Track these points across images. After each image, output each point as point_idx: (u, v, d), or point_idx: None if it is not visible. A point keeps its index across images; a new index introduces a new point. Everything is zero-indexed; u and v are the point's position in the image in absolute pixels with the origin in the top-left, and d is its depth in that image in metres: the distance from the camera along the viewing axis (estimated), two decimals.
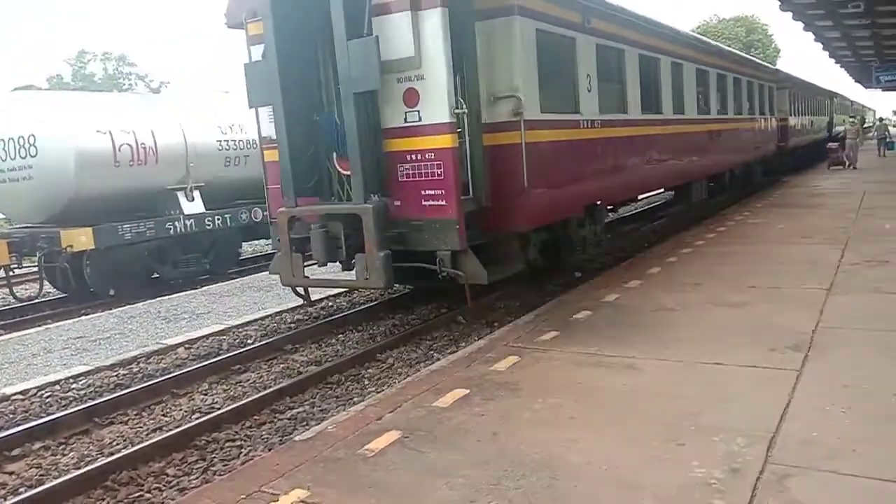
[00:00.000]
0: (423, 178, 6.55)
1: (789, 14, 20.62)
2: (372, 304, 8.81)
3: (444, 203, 6.47)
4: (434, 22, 6.28)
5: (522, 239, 7.56)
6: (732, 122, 15.99)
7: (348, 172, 6.78)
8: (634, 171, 10.26)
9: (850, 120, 26.45)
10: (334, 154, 7.04)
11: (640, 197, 13.81)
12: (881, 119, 50.51)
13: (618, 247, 12.01)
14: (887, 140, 35.00)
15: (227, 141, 12.96)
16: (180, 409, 5.89)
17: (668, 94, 11.54)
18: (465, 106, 6.68)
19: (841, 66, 40.55)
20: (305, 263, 7.07)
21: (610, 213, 11.58)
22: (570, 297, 7.52)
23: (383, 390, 5.51)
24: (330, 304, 9.10)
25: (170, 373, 6.69)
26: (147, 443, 5.07)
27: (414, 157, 6.57)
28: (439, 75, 6.33)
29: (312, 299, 8.12)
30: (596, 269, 10.13)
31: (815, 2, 18.41)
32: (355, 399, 5.66)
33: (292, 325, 8.19)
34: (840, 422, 3.87)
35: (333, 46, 6.48)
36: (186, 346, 7.59)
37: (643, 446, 3.78)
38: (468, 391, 4.82)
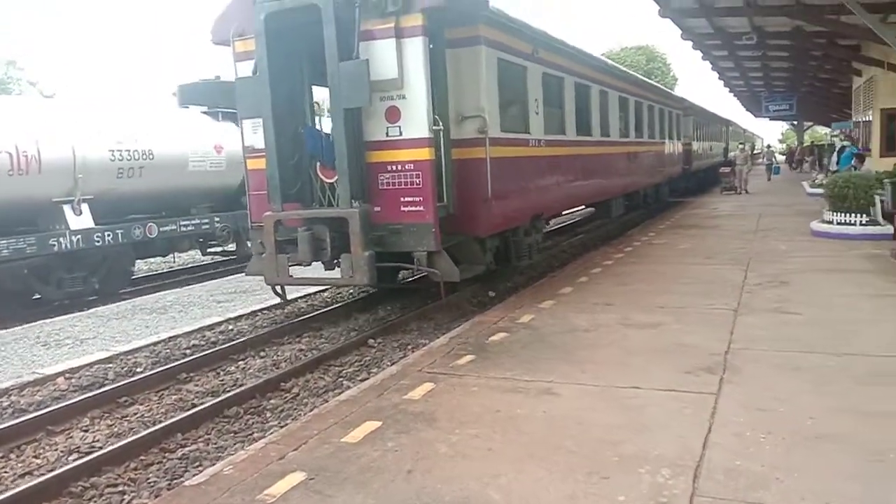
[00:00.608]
0: (402, 187, 7.36)
1: (688, 44, 21.73)
2: (277, 325, 8.31)
3: (421, 209, 7.30)
4: (416, 48, 7.13)
5: (482, 243, 8.40)
6: (647, 146, 17.49)
7: (331, 180, 7.55)
8: (569, 187, 11.34)
9: (739, 146, 27.01)
10: (318, 163, 7.70)
11: (563, 213, 15.11)
12: (769, 146, 54.23)
13: (530, 265, 11.98)
14: (774, 165, 37.59)
15: (121, 151, 12.06)
16: (55, 449, 5.22)
17: (596, 118, 12.76)
18: (440, 123, 7.51)
19: (734, 95, 43.17)
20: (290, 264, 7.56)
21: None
22: (485, 318, 7.32)
23: (287, 424, 5.08)
24: (230, 327, 8.51)
25: (45, 406, 5.95)
26: (9, 492, 4.41)
27: (394, 167, 7.38)
28: (419, 95, 7.20)
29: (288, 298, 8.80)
30: (510, 288, 10.05)
31: (713, 32, 19.39)
32: (256, 435, 5.18)
33: (187, 351, 7.56)
34: (761, 448, 3.81)
35: (321, 66, 7.14)
36: (67, 375, 6.83)
37: (567, 480, 3.57)
38: (380, 423, 4.48)
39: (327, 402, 5.37)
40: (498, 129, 8.36)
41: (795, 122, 50.68)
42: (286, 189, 7.47)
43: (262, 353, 7.36)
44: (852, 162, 16.38)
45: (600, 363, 5.52)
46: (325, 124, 8.37)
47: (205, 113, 14.24)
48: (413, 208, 7.33)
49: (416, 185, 7.29)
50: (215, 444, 5.10)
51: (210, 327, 8.34)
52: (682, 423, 4.22)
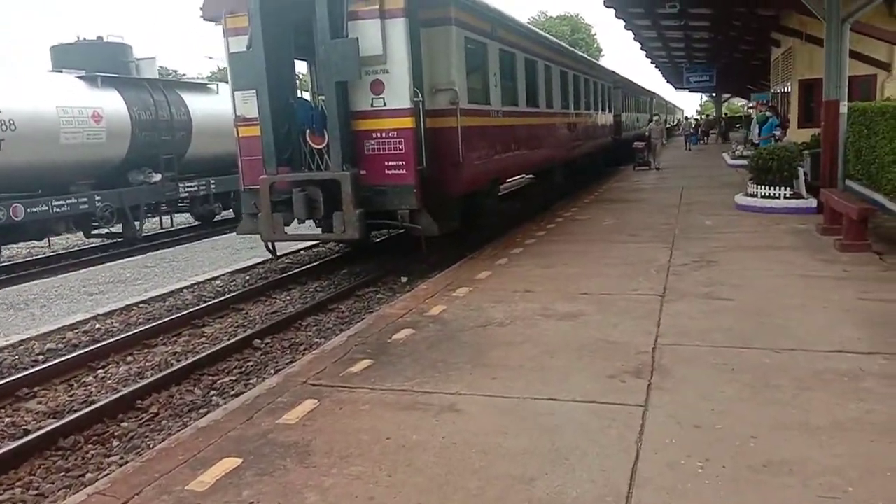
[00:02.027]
0: (387, 152, 8.17)
1: (611, 13, 21.26)
2: (153, 323, 7.23)
3: (404, 172, 8.13)
4: (398, 28, 7.94)
5: (455, 202, 9.17)
6: (584, 117, 18.69)
7: (319, 147, 8.34)
8: (522, 153, 12.21)
9: (654, 118, 25.99)
10: (307, 131, 8.40)
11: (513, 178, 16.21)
12: (687, 117, 55.24)
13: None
14: (692, 136, 38.22)
15: None
16: None
17: (542, 91, 13.76)
18: (420, 95, 8.20)
19: (656, 67, 43.45)
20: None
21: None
22: (391, 311, 6.48)
23: (131, 459, 4.12)
24: (97, 326, 7.37)
25: None
26: None
27: (379, 134, 8.18)
28: (402, 70, 8.04)
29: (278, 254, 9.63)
30: (423, 271, 9.25)
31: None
32: (89, 476, 4.19)
33: (40, 358, 6.41)
34: (699, 483, 3.13)
35: (305, 41, 8.34)
36: None
37: None
38: (240, 461, 3.59)
39: (186, 428, 4.42)
40: (466, 100, 9.13)
41: (714, 94, 51.71)
42: (279, 155, 8.14)
43: (128, 359, 6.31)
44: (776, 132, 16.25)
45: (515, 367, 4.78)
46: (305, 96, 9.40)
47: (81, 78, 12.63)
48: (396, 171, 8.12)
49: (399, 150, 8.09)
50: (37, 488, 4.08)
51: (73, 326, 7.20)
52: (606, 448, 3.51)
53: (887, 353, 4.66)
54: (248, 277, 9.43)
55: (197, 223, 16.81)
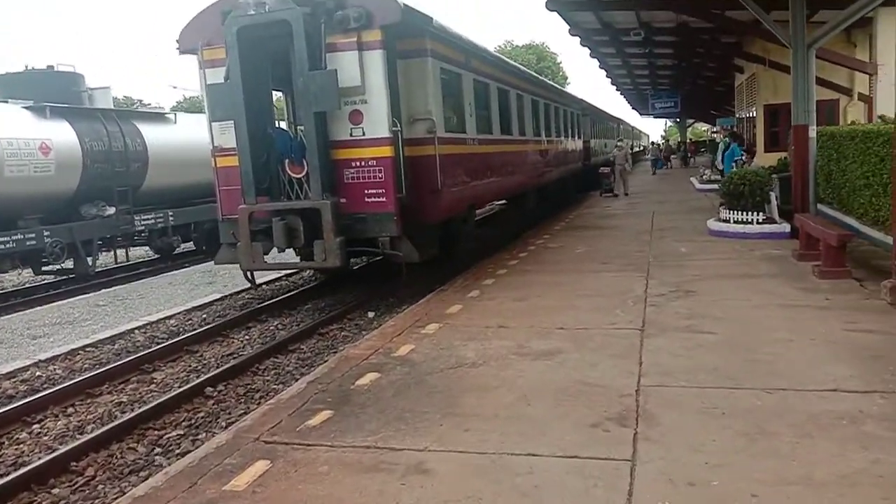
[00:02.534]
0: (366, 181, 8.27)
1: (576, 42, 21.35)
2: (99, 370, 6.67)
3: (384, 199, 8.22)
4: (376, 59, 8.11)
5: (433, 229, 9.26)
6: (555, 143, 18.99)
7: (299, 176, 8.37)
8: (496, 180, 12.40)
9: (618, 144, 25.12)
10: (286, 161, 8.42)
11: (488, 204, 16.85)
12: (653, 143, 56.02)
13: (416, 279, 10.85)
14: (658, 160, 38.70)
15: None
16: None
17: (515, 119, 14.01)
18: (398, 124, 8.31)
19: (621, 94, 44.07)
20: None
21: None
22: (356, 352, 6.04)
23: None
24: (38, 374, 6.79)
25: None
26: None
27: (358, 163, 8.29)
28: (380, 100, 8.18)
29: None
30: (391, 305, 8.86)
31: (601, 28, 19.01)
32: None
33: None
34: None
35: (281, 72, 8.43)
36: None
37: None
38: None
39: (124, 492, 3.93)
40: (443, 129, 9.27)
41: (679, 119, 52.58)
42: (258, 184, 8.16)
43: (68, 411, 5.76)
44: (741, 157, 16.27)
45: (489, 416, 4.38)
46: (282, 125, 9.35)
47: (28, 108, 12.05)
48: (376, 199, 8.20)
49: (379, 178, 8.18)
50: None
51: (10, 375, 6.63)
52: None
53: (884, 391, 4.38)
54: (204, 316, 8.90)
55: (156, 256, 16.16)
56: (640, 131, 67.10)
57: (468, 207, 10.92)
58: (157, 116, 15.68)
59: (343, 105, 8.12)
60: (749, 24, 15.98)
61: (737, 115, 26.37)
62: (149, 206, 14.39)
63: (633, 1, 15.62)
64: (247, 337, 7.82)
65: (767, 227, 11.02)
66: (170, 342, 7.43)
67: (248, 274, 8.99)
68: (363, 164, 8.28)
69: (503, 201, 18.98)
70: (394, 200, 8.23)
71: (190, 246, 16.30)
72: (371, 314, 8.50)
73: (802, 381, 4.65)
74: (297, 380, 5.79)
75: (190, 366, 6.83)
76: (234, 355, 7.09)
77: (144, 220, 13.96)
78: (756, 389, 4.52)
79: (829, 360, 5.02)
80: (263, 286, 10.53)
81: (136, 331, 8.17)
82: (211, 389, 5.90)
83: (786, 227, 10.88)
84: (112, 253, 14.19)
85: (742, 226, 11.21)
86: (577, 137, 23.58)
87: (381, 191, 8.24)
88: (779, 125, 19.64)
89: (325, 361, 6.02)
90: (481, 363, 5.47)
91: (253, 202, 8.17)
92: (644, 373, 4.99)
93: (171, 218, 14.61)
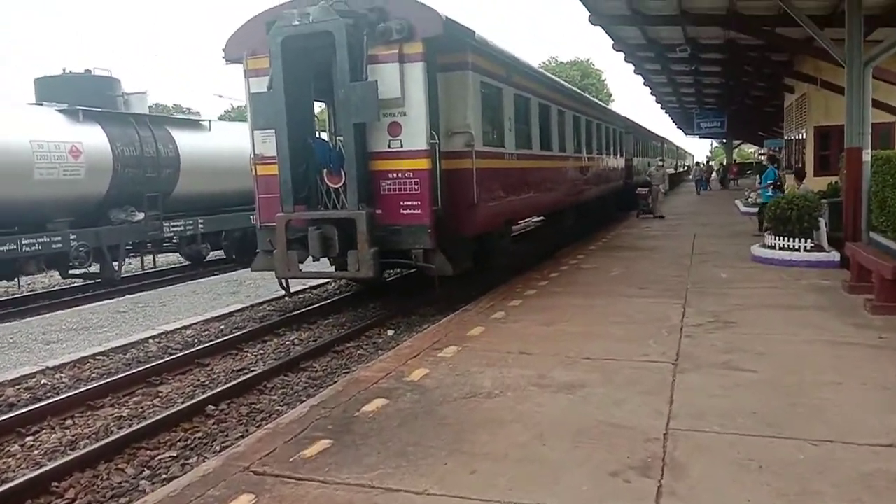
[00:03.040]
0: (403, 192, 8.24)
1: (621, 58, 20.85)
2: (107, 379, 6.47)
3: (419, 212, 8.19)
4: (417, 72, 8.12)
5: (468, 243, 9.18)
6: (596, 161, 18.69)
7: (336, 185, 8.39)
8: (535, 196, 12.19)
9: (658, 162, 24.10)
10: (325, 171, 8.46)
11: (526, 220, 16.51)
12: (698, 163, 54.90)
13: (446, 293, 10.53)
14: (702, 181, 37.86)
15: None
16: None
17: (555, 135, 13.83)
18: (436, 137, 8.26)
19: (666, 112, 43.24)
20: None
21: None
22: (367, 374, 5.73)
23: None
24: (44, 382, 6.62)
25: None
26: None
27: (395, 175, 8.27)
28: (419, 113, 8.16)
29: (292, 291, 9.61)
30: (413, 322, 8.54)
31: (646, 43, 18.51)
32: None
33: None
34: None
35: (323, 83, 8.48)
36: None
37: None
38: None
39: None
40: (481, 143, 9.17)
41: (725, 140, 51.36)
42: (296, 193, 8.22)
43: (66, 423, 5.56)
44: (776, 181, 15.68)
45: (499, 456, 4.00)
46: (323, 136, 9.32)
47: (61, 111, 12.14)
48: (412, 211, 8.18)
49: (415, 190, 8.15)
50: None
51: (15, 381, 6.51)
52: None
53: None
54: (222, 327, 8.70)
55: (186, 263, 16.15)
56: (685, 151, 65.88)
57: (504, 222, 10.79)
58: (191, 123, 15.76)
59: (382, 117, 8.11)
60: (801, 42, 15.38)
61: (786, 137, 25.47)
62: (179, 212, 14.40)
63: (679, 16, 15.13)
64: (261, 351, 7.57)
65: (815, 256, 10.39)
66: (181, 354, 7.23)
67: (283, 282, 8.96)
68: (400, 175, 8.28)
69: (541, 217, 18.79)
70: (429, 213, 8.17)
71: (221, 254, 16.25)
72: (391, 332, 8.19)
73: (852, 432, 4.16)
74: (303, 401, 5.49)
75: (198, 380, 6.60)
76: (246, 370, 6.84)
77: (174, 226, 13.95)
78: (799, 440, 4.05)
79: (883, 409, 4.50)
80: (293, 296, 10.33)
81: (151, 340, 8.00)
82: (213, 408, 5.63)
83: (835, 256, 10.23)
84: (140, 259, 14.16)
85: (788, 253, 10.59)
86: (619, 155, 23.26)
87: (416, 203, 8.21)
88: (830, 148, 18.82)
89: (335, 383, 5.70)
90: (497, 393, 5.10)
91: (291, 211, 8.21)
92: (674, 414, 4.55)
93: (200, 225, 14.59)
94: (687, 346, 6.21)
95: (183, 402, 5.84)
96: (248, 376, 6.42)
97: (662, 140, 40.91)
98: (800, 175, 16.04)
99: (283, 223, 8.19)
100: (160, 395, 6.22)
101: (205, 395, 5.83)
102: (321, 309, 9.51)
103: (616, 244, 14.57)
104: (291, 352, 7.43)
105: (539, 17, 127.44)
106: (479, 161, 9.00)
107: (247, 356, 7.41)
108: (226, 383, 6.34)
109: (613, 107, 54.78)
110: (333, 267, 9.12)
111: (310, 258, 8.57)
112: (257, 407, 5.78)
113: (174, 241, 14.31)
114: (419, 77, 8.13)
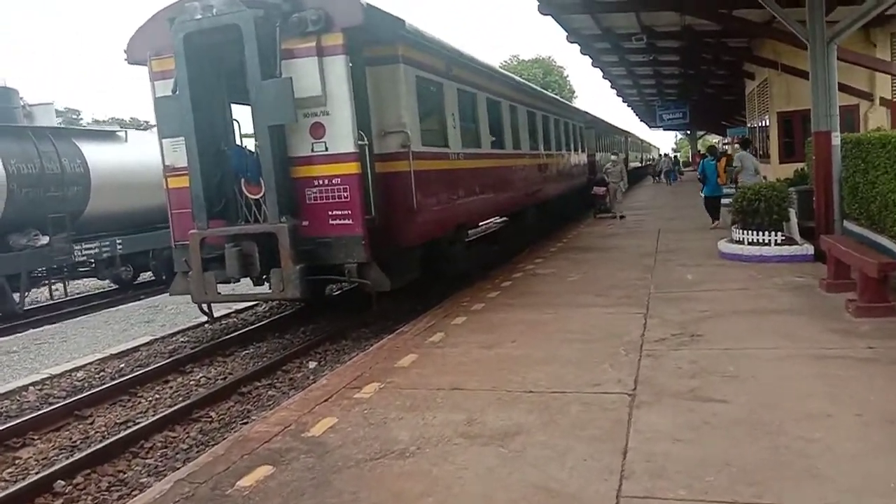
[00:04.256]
0: (330, 201, 7.43)
1: (580, 51, 20.06)
2: None
3: (350, 222, 7.37)
4: (338, 66, 7.27)
5: (410, 252, 8.41)
6: (556, 157, 17.88)
7: (256, 196, 7.50)
8: (488, 197, 11.40)
9: (612, 157, 21.29)
10: (242, 180, 7.59)
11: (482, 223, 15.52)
12: (666, 154, 54.68)
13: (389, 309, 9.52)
14: (672, 172, 37.54)
15: None
16: None
17: (508, 132, 13.02)
18: (365, 138, 7.51)
19: (629, 106, 42.81)
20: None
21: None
22: (260, 429, 4.67)
23: None
24: None
25: None
26: None
27: (321, 182, 7.44)
28: (344, 112, 7.33)
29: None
30: (344, 349, 7.53)
31: (601, 34, 17.73)
32: None
33: None
34: None
35: (241, 83, 7.30)
36: None
37: None
38: None
39: None
40: (419, 143, 8.45)
41: (689, 132, 51.17)
42: (211, 207, 7.42)
43: None
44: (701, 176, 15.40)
45: None
46: (246, 142, 8.31)
47: None
48: (342, 221, 7.40)
49: (344, 198, 7.38)
50: None
51: (215, 320, 6.62)
52: None
53: None
54: (122, 365, 7.56)
55: (113, 287, 14.79)
56: (650, 144, 65.76)
57: (455, 227, 10.01)
58: (104, 135, 14.39)
59: (303, 117, 7.32)
60: (760, 25, 14.71)
61: (748, 125, 24.93)
62: (95, 233, 13.05)
63: (632, 1, 14.34)
64: (157, 396, 6.44)
65: (787, 249, 9.57)
66: (59, 405, 6.08)
67: (204, 306, 8.06)
68: (327, 182, 7.45)
69: (504, 218, 17.90)
70: (361, 222, 7.38)
71: (152, 275, 14.97)
72: (313, 364, 7.15)
73: (852, 488, 3.23)
74: (179, 467, 4.42)
75: (71, 439, 5.47)
76: (131, 422, 5.73)
77: (87, 249, 12.64)
78: None
79: (889, 452, 3.58)
80: (215, 322, 9.22)
81: (32, 388, 6.81)
82: (63, 483, 4.51)
83: (808, 249, 9.44)
84: (49, 287, 12.80)
85: (758, 248, 9.77)
86: (580, 151, 22.60)
87: (346, 212, 7.39)
88: (794, 134, 18.27)
89: (221, 441, 4.63)
90: (414, 451, 4.09)
91: (205, 227, 7.34)
92: (628, 471, 3.60)
93: (119, 246, 13.25)
94: (647, 369, 5.28)
95: (37, 474, 4.71)
96: (125, 433, 5.30)
97: (626, 134, 40.46)
98: (744, 145, 15.63)
99: (196, 241, 7.31)
100: (17, 462, 5.09)
101: (55, 468, 4.69)
102: (243, 337, 8.42)
103: (577, 244, 13.69)
104: (191, 395, 6.33)
105: (500, 16, 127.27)
106: (417, 163, 8.23)
107: (139, 403, 6.29)
108: (101, 441, 5.24)
109: (577, 103, 54.24)
110: (262, 288, 8.02)
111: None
112: (123, 478, 4.67)
113: (90, 264, 13.01)
114: (341, 72, 7.28)
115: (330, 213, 7.42)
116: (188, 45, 7.19)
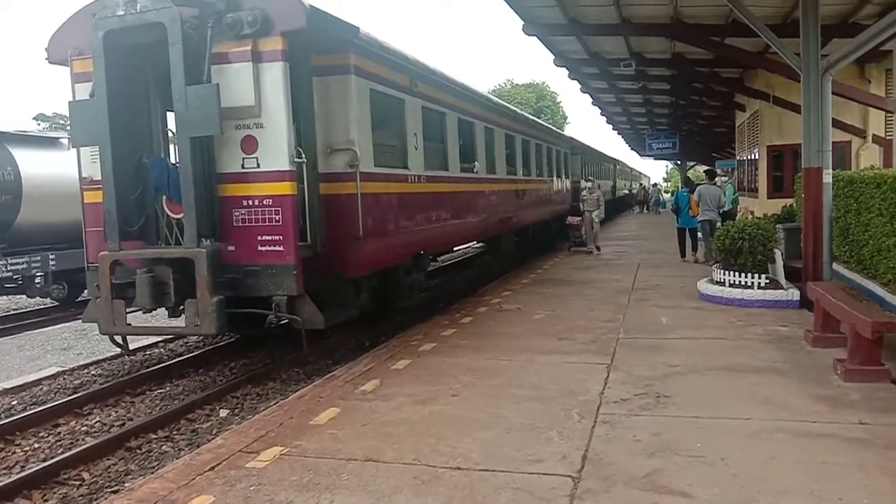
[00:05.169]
0: (260, 224, 6.65)
1: (571, 76, 19.45)
2: None
3: (281, 249, 6.60)
4: (275, 74, 6.55)
5: (355, 284, 7.68)
6: (535, 183, 17.10)
7: (179, 216, 6.77)
8: (455, 223, 10.67)
9: (587, 185, 18.93)
10: (164, 197, 6.95)
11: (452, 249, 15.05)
12: (655, 184, 54.36)
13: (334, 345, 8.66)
14: (661, 201, 37.19)
15: None
16: None
17: (482, 155, 12.28)
18: (304, 156, 6.91)
19: (619, 133, 42.37)
20: (128, 310, 6.69)
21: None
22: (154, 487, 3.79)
23: None
24: None
25: None
26: None
27: (251, 202, 6.68)
28: (279, 125, 6.58)
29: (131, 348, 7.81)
30: (266, 394, 6.64)
31: (588, 58, 17.08)
32: None
33: None
34: None
35: (169, 90, 6.50)
36: None
37: None
38: None
39: None
40: (371, 163, 7.76)
41: (679, 162, 50.79)
42: (126, 225, 6.74)
43: None
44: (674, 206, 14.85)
45: None
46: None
47: None
48: (272, 248, 6.63)
49: (276, 221, 6.61)
50: None
51: (132, 353, 5.53)
52: None
53: None
54: (14, 403, 6.64)
55: (53, 304, 13.72)
56: (640, 172, 65.46)
57: (414, 256, 9.31)
58: (42, 141, 13.40)
59: (234, 129, 6.61)
60: (753, 54, 14.08)
61: (738, 158, 24.35)
62: (26, 247, 12.05)
63: (620, 25, 13.69)
64: (36, 446, 5.50)
65: (771, 294, 8.80)
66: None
67: (119, 337, 7.18)
68: (257, 203, 6.65)
69: (481, 244, 17.21)
70: (294, 249, 6.58)
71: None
72: (224, 412, 6.24)
73: None
74: None
75: None
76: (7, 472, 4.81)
77: (13, 264, 11.67)
78: None
79: None
80: (135, 354, 8.30)
81: None
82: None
83: (794, 295, 8.67)
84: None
85: (740, 290, 9.00)
86: (564, 177, 21.98)
87: (278, 237, 6.59)
88: (783, 169, 17.66)
89: None
90: None
91: (117, 247, 6.58)
92: None
93: (52, 262, 12.27)
94: (600, 441, 4.45)
95: None
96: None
97: (615, 162, 39.96)
98: (709, 176, 15.24)
99: (106, 263, 6.52)
100: None
101: None
102: (163, 371, 7.51)
103: (551, 276, 12.88)
104: (76, 445, 5.41)
105: (496, 40, 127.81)
106: (367, 185, 7.51)
107: (12, 454, 5.36)
108: None
109: (569, 129, 53.97)
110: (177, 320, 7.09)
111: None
112: None
113: (16, 280, 12.04)
114: (279, 80, 6.56)
115: (259, 237, 6.66)
116: (108, 44, 6.47)
